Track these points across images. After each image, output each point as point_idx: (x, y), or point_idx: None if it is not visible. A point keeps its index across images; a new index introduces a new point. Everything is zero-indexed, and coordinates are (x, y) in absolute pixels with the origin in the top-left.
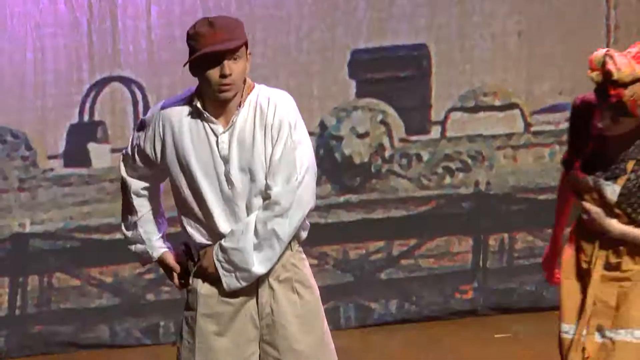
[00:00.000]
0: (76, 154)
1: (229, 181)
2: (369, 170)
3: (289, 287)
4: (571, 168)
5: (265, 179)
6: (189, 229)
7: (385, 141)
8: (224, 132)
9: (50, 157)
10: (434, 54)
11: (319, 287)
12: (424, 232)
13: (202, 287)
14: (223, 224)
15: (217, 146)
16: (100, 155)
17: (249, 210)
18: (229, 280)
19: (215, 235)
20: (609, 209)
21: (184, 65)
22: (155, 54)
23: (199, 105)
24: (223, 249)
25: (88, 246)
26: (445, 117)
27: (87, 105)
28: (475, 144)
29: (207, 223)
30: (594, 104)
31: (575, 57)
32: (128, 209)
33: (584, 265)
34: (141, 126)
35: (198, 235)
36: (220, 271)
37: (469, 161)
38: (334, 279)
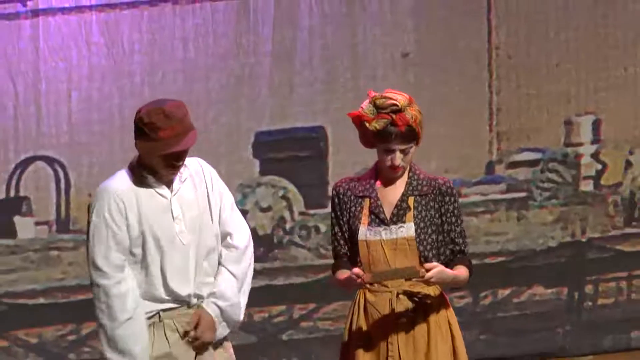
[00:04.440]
0: (3, 227)
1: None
2: (272, 241)
3: (217, 341)
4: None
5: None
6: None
7: (287, 214)
8: (174, 194)
9: None
10: (331, 136)
11: None
12: (322, 297)
13: (155, 349)
14: (179, 282)
15: (171, 208)
16: (25, 227)
17: (198, 266)
18: (222, 331)
19: (171, 294)
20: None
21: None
22: (75, 136)
23: (145, 174)
24: (222, 309)
25: (14, 310)
26: None
27: (13, 182)
28: None
29: (165, 285)
30: (351, 179)
31: (461, 138)
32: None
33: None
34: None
35: (152, 302)
36: (219, 331)
37: None
38: (240, 340)
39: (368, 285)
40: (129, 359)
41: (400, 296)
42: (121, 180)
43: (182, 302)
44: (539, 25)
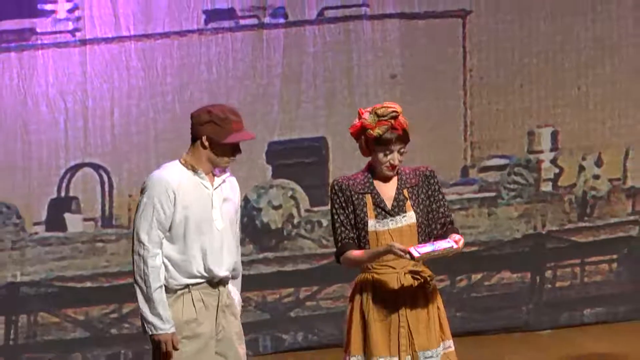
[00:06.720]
0: (55, 222)
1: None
2: (282, 234)
3: (230, 311)
4: (354, 247)
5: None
6: (176, 272)
7: (294, 211)
8: (215, 189)
9: (35, 224)
10: (331, 145)
11: (243, 323)
12: (324, 281)
13: (184, 315)
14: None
15: (212, 199)
16: (74, 222)
17: (227, 251)
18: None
19: (207, 272)
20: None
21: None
22: (117, 146)
23: (197, 168)
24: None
25: (65, 292)
26: None
27: (64, 184)
28: None
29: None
30: (348, 177)
31: (440, 146)
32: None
33: (389, 310)
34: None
35: (186, 277)
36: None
37: None
38: (255, 317)
39: (374, 267)
40: (159, 320)
41: (407, 275)
42: (173, 172)
43: (210, 279)
44: (506, 51)
